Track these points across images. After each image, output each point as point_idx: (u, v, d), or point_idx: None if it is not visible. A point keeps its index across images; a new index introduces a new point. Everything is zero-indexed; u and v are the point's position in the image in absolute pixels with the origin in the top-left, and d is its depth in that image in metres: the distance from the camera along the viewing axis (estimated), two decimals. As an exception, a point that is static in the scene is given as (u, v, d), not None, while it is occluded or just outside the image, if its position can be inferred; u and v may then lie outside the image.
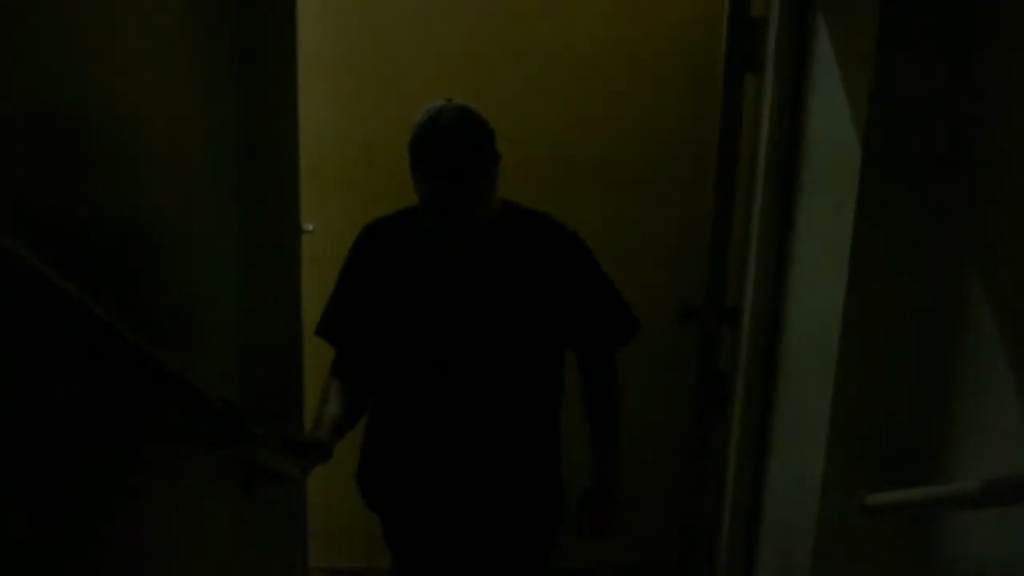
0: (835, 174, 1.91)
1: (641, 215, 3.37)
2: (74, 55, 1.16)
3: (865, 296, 1.83)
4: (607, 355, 2.14)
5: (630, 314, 2.12)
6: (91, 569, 1.26)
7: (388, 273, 2.03)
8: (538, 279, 2.02)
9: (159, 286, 1.57)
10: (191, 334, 1.80)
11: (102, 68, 1.27)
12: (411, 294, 2.01)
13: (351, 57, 3.23)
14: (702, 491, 2.60)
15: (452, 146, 1.86)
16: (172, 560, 1.67)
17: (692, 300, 2.48)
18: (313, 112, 2.97)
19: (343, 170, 3.30)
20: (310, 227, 2.45)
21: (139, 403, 1.18)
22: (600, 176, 3.36)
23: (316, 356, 2.61)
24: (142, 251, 1.47)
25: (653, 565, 3.47)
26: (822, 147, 2.03)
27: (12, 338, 0.84)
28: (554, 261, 2.04)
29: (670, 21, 3.25)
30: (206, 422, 1.30)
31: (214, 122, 1.97)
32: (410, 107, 3.20)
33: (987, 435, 1.64)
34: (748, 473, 2.41)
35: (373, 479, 2.16)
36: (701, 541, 2.65)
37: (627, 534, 2.61)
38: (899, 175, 1.78)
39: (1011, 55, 1.60)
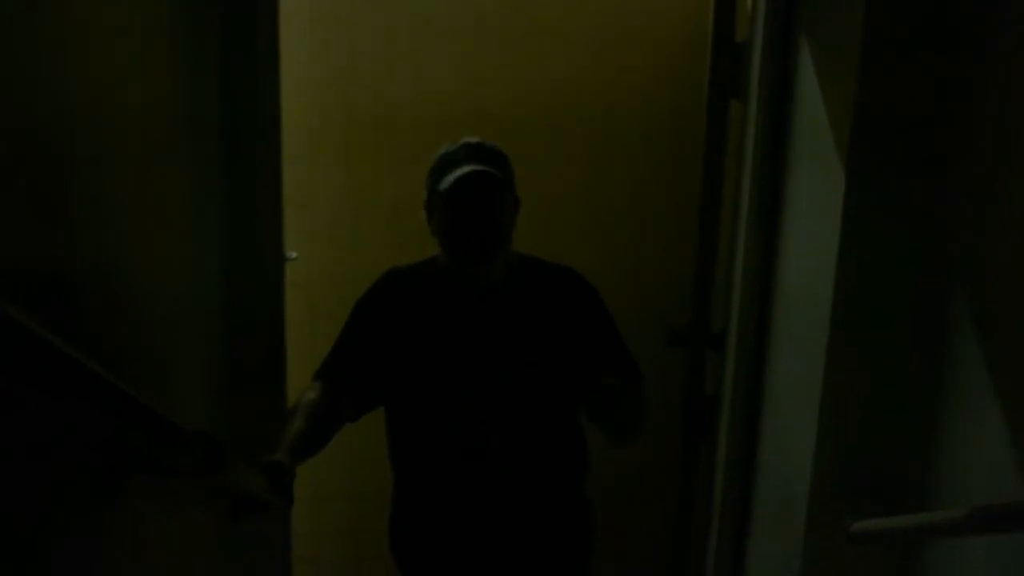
0: (819, 198, 1.91)
1: (628, 240, 3.38)
2: (45, 64, 1.15)
3: (850, 321, 1.83)
4: None
5: (637, 369, 2.10)
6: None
7: (407, 320, 2.01)
8: (555, 327, 2.00)
9: (140, 314, 1.55)
10: (173, 362, 1.78)
11: (78, 82, 1.26)
12: (431, 341, 1.99)
13: (338, 83, 3.23)
14: (689, 516, 2.59)
15: (480, 153, 1.89)
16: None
17: (679, 324, 2.48)
18: (297, 139, 2.98)
19: (328, 197, 3.29)
20: (294, 254, 2.44)
21: (118, 438, 1.17)
22: (587, 201, 3.37)
23: (300, 384, 2.60)
24: (122, 278, 1.45)
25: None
26: (806, 172, 2.03)
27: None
28: (571, 310, 2.04)
29: (656, 47, 3.26)
30: (186, 455, 1.29)
31: (196, 147, 1.97)
32: (397, 134, 3.24)
33: (975, 461, 1.63)
34: (735, 498, 2.40)
35: (406, 537, 2.16)
36: (689, 565, 2.63)
37: (614, 558, 2.60)
38: (884, 199, 1.78)
39: (998, 73, 1.61)
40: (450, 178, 1.85)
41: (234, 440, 2.09)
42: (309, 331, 2.87)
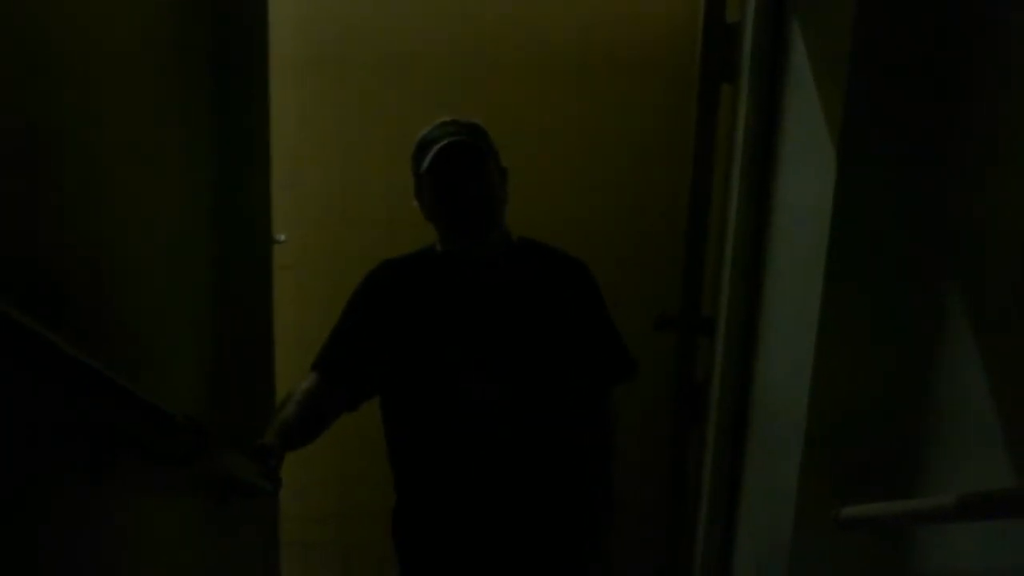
0: (811, 181, 1.90)
1: (618, 223, 3.36)
2: (40, 57, 1.13)
3: (841, 306, 1.83)
4: (602, 393, 2.14)
5: (628, 356, 2.13)
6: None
7: (403, 306, 2.01)
8: (550, 308, 2.01)
9: (127, 297, 1.54)
10: (159, 346, 1.77)
11: (70, 71, 1.24)
12: (429, 325, 1.98)
13: (327, 63, 3.20)
14: (679, 501, 2.59)
15: (458, 130, 1.91)
16: (140, 572, 1.64)
17: (669, 309, 2.47)
18: (287, 121, 2.96)
19: (317, 179, 3.27)
20: (282, 237, 2.42)
21: (104, 423, 1.16)
22: (577, 183, 3.35)
23: (289, 367, 2.59)
24: (109, 261, 1.44)
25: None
26: (798, 155, 2.02)
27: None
28: (565, 291, 2.05)
29: (648, 29, 3.24)
30: (170, 439, 1.28)
31: (184, 130, 1.94)
32: (389, 114, 3.22)
33: (964, 448, 1.63)
34: (724, 484, 2.40)
35: (408, 526, 2.14)
36: (678, 552, 2.63)
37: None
38: (876, 180, 1.77)
39: (993, 59, 1.60)
40: (429, 156, 1.89)
41: (221, 424, 2.08)
42: (297, 314, 2.85)
